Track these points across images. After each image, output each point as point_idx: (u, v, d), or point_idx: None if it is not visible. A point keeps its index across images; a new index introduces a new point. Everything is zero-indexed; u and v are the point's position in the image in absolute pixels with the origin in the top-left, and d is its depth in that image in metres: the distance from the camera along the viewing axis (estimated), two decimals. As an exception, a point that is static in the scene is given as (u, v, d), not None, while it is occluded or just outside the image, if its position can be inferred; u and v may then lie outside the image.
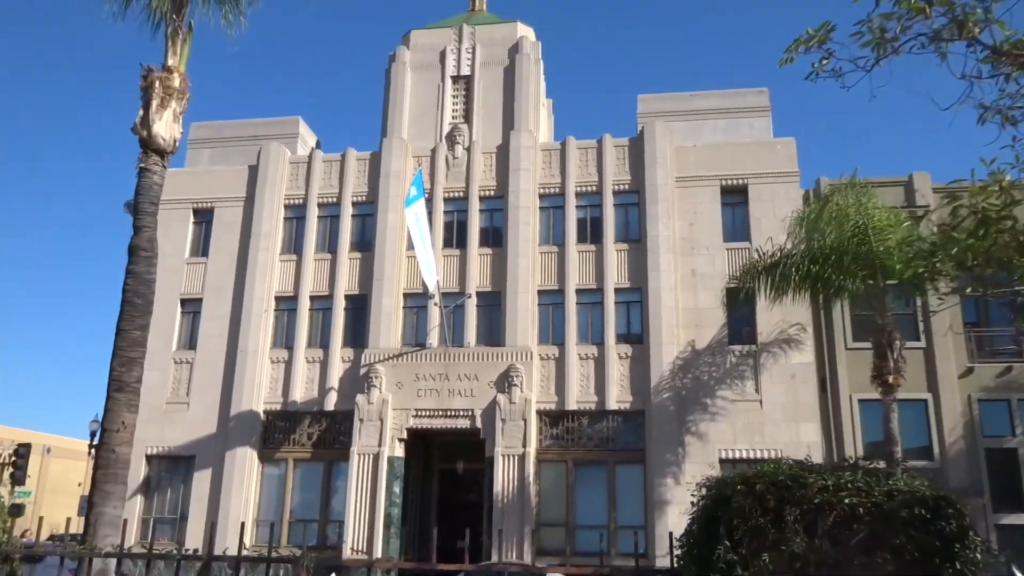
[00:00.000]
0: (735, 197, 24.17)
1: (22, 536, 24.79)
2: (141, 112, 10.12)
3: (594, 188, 24.78)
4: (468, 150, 25.81)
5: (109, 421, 8.69)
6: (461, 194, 25.51)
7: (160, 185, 9.93)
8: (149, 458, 24.27)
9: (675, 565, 4.77)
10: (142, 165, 9.96)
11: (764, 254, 18.87)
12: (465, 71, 26.76)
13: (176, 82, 10.05)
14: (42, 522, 9.81)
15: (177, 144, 10.26)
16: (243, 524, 5.38)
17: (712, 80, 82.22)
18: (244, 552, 16.34)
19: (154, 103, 10.03)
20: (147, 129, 9.98)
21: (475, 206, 25.24)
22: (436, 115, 26.43)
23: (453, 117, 26.47)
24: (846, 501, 3.87)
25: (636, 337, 23.25)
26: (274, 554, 5.33)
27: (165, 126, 9.94)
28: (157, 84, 10.03)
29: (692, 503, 4.82)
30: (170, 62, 10.37)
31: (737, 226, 23.94)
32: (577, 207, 24.75)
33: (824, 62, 5.74)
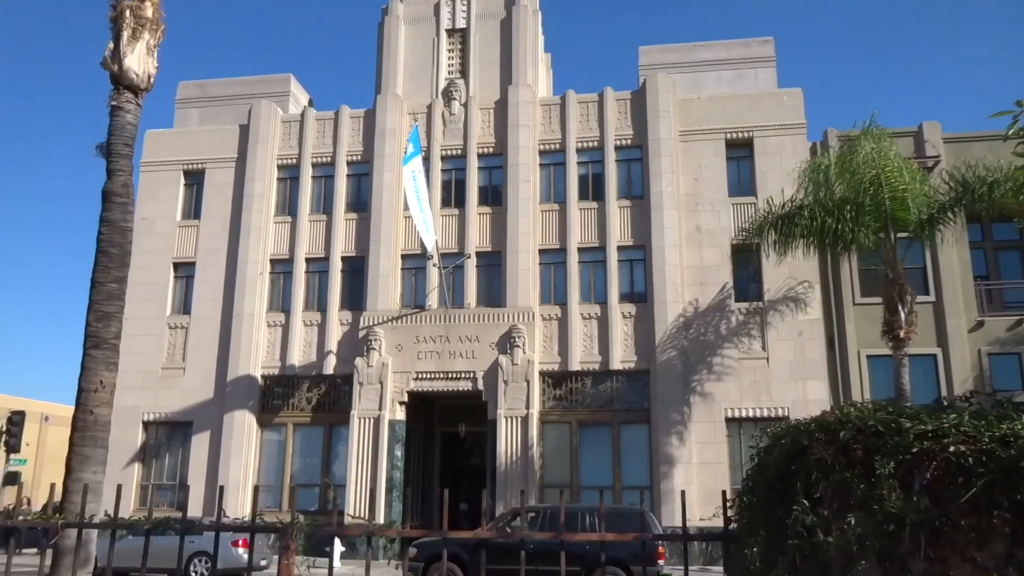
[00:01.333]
0: (740, 151, 23.77)
1: (18, 505, 24.56)
2: (111, 45, 9.27)
3: (596, 144, 24.37)
4: (465, 106, 25.32)
5: (86, 380, 8.25)
6: (459, 152, 25.04)
7: (135, 125, 9.15)
8: (146, 424, 24.04)
9: (729, 527, 4.27)
10: (114, 103, 9.13)
11: (772, 208, 18.45)
12: (461, 24, 26.11)
13: (149, 11, 9.17)
14: (52, 489, 9.48)
15: (152, 81, 9.37)
16: (255, 488, 4.66)
17: (715, 30, 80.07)
18: (225, 519, 16.36)
19: (125, 34, 9.17)
20: (118, 64, 9.10)
21: (473, 164, 24.78)
22: (432, 70, 25.91)
23: (449, 72, 25.94)
24: (951, 449, 3.23)
25: (640, 296, 23.02)
26: (269, 520, 4.79)
27: (138, 59, 9.05)
28: (128, 14, 9.18)
29: (752, 456, 4.24)
30: (141, -12, 9.34)
31: (743, 180, 23.52)
32: (578, 164, 24.37)
33: None
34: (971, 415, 3.45)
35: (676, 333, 21.99)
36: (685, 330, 22.04)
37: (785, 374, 21.29)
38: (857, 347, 21.55)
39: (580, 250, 23.58)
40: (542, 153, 24.82)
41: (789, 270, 21.62)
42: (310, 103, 27.92)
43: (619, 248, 23.42)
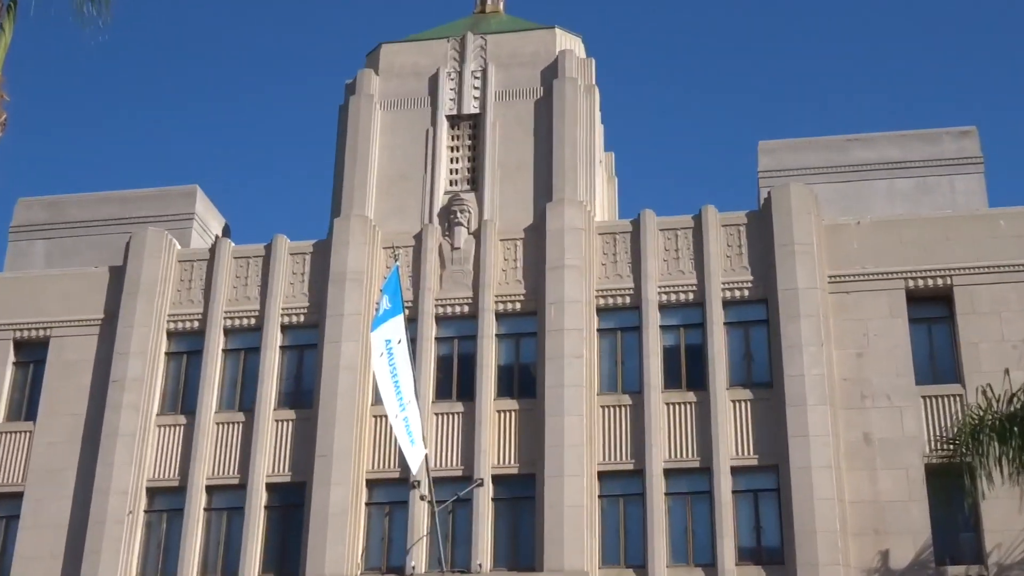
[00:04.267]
0: (933, 308, 25.54)
1: None
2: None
3: (691, 296, 26.60)
4: (477, 235, 27.55)
5: None
6: (465, 309, 27.11)
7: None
8: None
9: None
10: None
11: (993, 402, 19.91)
12: (471, 107, 28.80)
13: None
14: None
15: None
16: None
17: (869, 117, 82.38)
18: None
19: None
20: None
21: (490, 329, 26.67)
22: (424, 179, 28.33)
23: (452, 182, 28.41)
24: None
25: (772, 553, 24.10)
26: None
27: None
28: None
29: None
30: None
31: (939, 357, 25.11)
32: (663, 329, 26.40)
33: None
34: None
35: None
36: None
37: None
38: None
39: (668, 473, 24.89)
40: (603, 312, 26.74)
41: (1033, 506, 22.19)
42: (226, 231, 30.18)
43: (734, 470, 24.69)
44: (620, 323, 27.01)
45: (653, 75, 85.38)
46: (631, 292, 26.95)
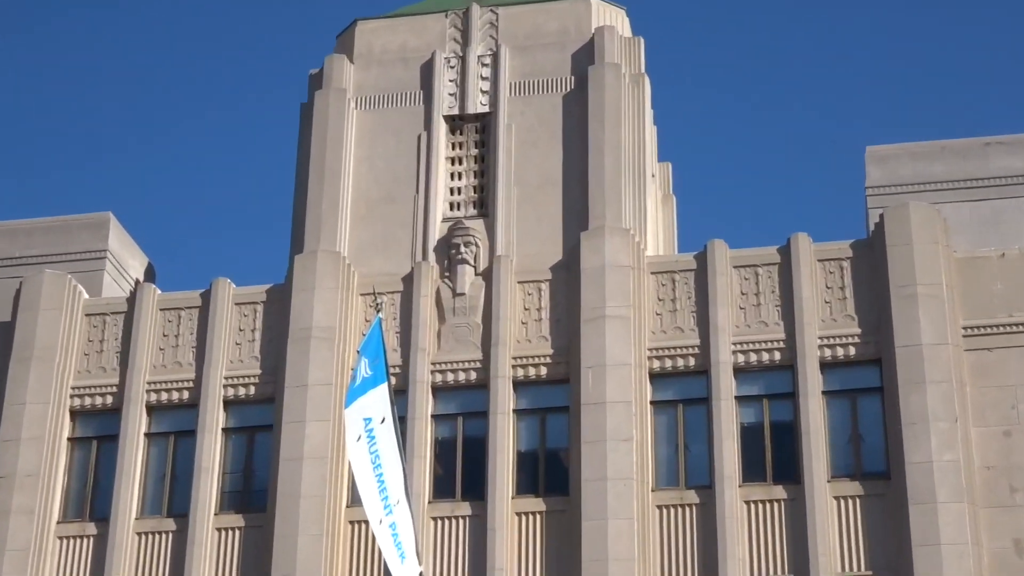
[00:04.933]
0: None
1: None
2: None
3: (776, 356, 25.45)
4: (486, 276, 26.45)
5: None
6: (473, 375, 25.97)
7: None
8: None
9: None
10: None
11: None
12: (477, 104, 27.78)
13: None
14: None
15: None
16: None
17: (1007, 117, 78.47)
18: None
19: None
20: None
21: (504, 402, 25.39)
22: (414, 201, 27.33)
23: (454, 206, 27.36)
24: None
25: None
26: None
27: None
28: None
29: None
30: None
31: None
32: (740, 400, 25.23)
33: None
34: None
35: None
36: None
37: None
38: None
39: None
40: (658, 378, 25.58)
41: None
42: (149, 274, 29.16)
43: (843, 595, 22.97)
44: (682, 393, 25.74)
45: (721, 60, 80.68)
46: (696, 351, 25.58)
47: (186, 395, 26.62)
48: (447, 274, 26.43)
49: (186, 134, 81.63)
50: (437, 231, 26.91)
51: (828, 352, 25.07)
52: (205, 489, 25.76)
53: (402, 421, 23.37)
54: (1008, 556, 23.36)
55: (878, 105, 73.76)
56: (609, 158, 26.53)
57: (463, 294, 26.16)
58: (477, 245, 26.52)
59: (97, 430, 27.20)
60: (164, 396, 26.81)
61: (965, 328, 24.62)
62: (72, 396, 26.95)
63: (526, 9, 28.89)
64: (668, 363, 25.54)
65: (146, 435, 26.69)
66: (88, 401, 26.96)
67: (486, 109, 27.77)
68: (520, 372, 25.68)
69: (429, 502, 24.97)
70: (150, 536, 26.05)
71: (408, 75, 28.32)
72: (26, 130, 79.34)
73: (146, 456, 26.68)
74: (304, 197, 27.39)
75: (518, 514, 24.71)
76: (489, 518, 24.55)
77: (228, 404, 26.50)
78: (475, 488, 25.08)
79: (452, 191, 27.46)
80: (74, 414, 26.99)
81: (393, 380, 22.92)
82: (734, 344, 25.34)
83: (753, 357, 25.38)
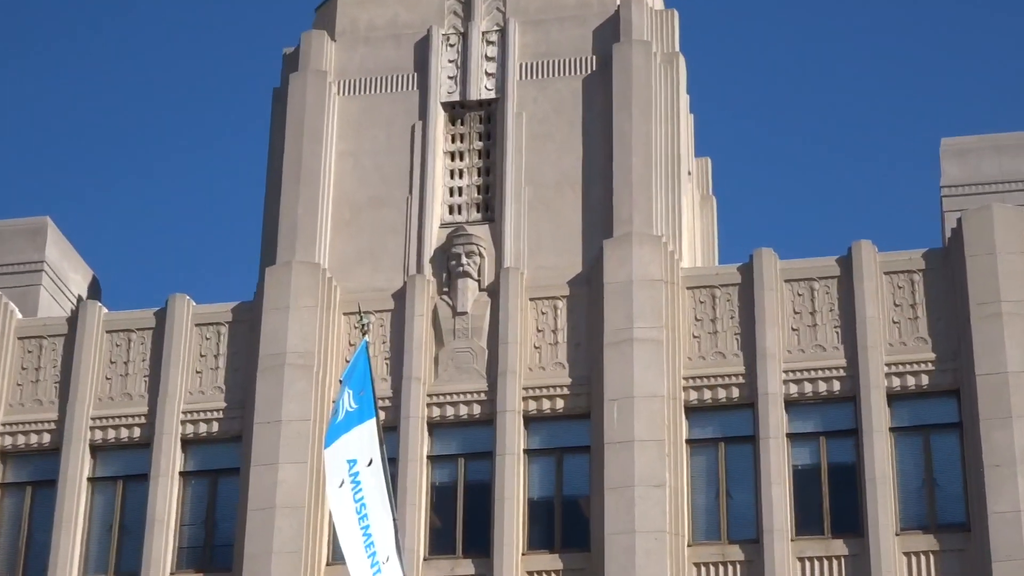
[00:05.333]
0: None
1: None
2: None
3: (835, 386, 24.73)
4: (493, 292, 25.87)
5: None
6: (476, 409, 25.31)
7: None
8: None
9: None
10: None
11: None
12: (482, 89, 27.18)
13: None
14: None
15: None
16: None
17: None
18: None
19: None
20: None
21: (513, 440, 24.65)
22: (407, 203, 26.68)
23: (454, 209, 26.83)
24: None
25: None
26: None
27: None
28: None
29: None
30: None
31: None
32: (793, 439, 24.53)
33: None
34: None
35: None
36: None
37: None
38: None
39: None
40: (696, 412, 24.93)
41: None
42: (94, 289, 28.63)
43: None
44: (724, 430, 25.00)
45: (769, 36, 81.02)
46: (740, 380, 24.87)
47: (137, 433, 25.89)
48: (446, 289, 25.81)
49: (138, 126, 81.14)
50: (434, 239, 26.25)
51: (897, 381, 24.49)
52: (159, 544, 25.14)
53: (393, 463, 22.76)
54: (1113, 624, 22.85)
55: (956, 91, 73.48)
56: (637, 152, 25.82)
57: (465, 313, 25.50)
58: (481, 255, 25.83)
59: (32, 474, 26.58)
60: (111, 434, 26.07)
61: (1073, 362, 24.30)
62: (2, 434, 26.33)
63: (542, -21, 28.34)
64: (707, 395, 24.88)
65: (90, 480, 26.00)
66: (21, 440, 26.29)
67: (492, 95, 27.09)
68: (532, 405, 24.92)
69: (424, 559, 24.40)
70: (95, 601, 25.83)
71: (399, 55, 27.66)
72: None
73: (90, 505, 26.02)
74: (277, 199, 26.77)
75: (529, 573, 24.20)
76: (498, 577, 23.38)
77: (187, 443, 25.80)
78: (479, 542, 24.45)
79: (452, 192, 26.81)
80: (4, 455, 26.36)
81: (382, 415, 22.30)
82: (785, 372, 24.68)
83: (808, 387, 24.62)
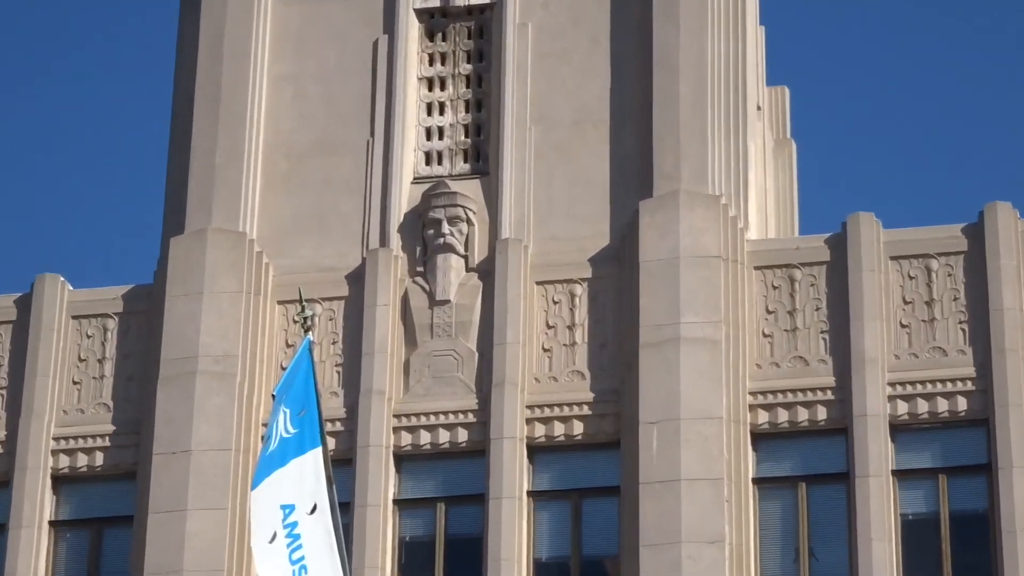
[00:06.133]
0: None
1: None
2: None
3: (959, 403, 23.74)
4: (484, 272, 25.20)
5: None
6: (461, 434, 24.55)
7: None
8: None
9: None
10: None
11: None
12: None
13: None
14: None
15: None
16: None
17: None
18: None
19: None
20: None
21: (512, 478, 23.95)
22: (365, 149, 25.78)
23: (431, 159, 26.06)
24: None
25: None
26: None
27: None
28: None
29: None
30: None
31: None
32: (900, 477, 23.74)
33: None
34: None
35: None
36: None
37: None
38: None
39: None
40: (766, 439, 24.30)
41: None
42: None
43: None
44: (805, 465, 23.94)
45: None
46: (829, 396, 23.76)
47: (-16, 463, 23.75)
48: (420, 269, 25.04)
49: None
50: (405, 199, 25.37)
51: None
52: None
53: (345, 510, 21.60)
54: None
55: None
56: (687, 81, 24.95)
57: (447, 302, 24.70)
58: (470, 222, 24.94)
59: None
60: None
61: None
62: None
63: None
64: (783, 416, 23.75)
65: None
66: None
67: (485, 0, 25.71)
68: (539, 430, 24.01)
69: None
70: None
71: (358, -63, 25.48)
72: None
73: None
74: (187, 144, 25.84)
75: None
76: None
77: (59, 482, 24.92)
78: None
79: (429, 133, 25.91)
80: None
81: (332, 443, 22.02)
82: (891, 384, 23.51)
83: (923, 406, 23.52)
